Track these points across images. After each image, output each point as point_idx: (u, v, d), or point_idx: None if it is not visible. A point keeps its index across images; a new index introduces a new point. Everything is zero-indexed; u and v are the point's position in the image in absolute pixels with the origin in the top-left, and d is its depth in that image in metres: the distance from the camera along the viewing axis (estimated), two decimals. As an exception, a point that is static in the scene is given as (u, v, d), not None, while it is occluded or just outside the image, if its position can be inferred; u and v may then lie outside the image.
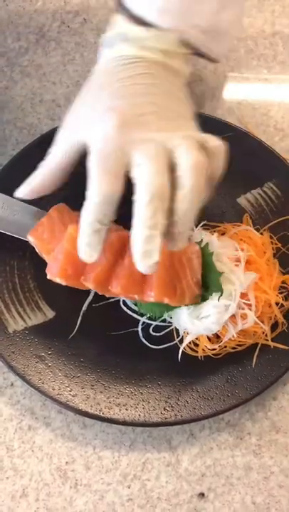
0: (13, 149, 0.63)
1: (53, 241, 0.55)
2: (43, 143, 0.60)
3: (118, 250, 0.53)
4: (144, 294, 0.52)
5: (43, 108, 0.66)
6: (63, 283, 0.54)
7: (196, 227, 0.58)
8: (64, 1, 0.70)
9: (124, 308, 0.57)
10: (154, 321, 0.57)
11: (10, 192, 0.59)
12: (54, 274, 0.53)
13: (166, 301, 0.52)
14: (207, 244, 0.55)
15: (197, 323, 0.54)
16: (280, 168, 0.61)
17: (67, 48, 0.68)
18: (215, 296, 0.53)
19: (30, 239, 0.56)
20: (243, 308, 0.54)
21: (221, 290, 0.53)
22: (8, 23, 0.69)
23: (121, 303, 0.57)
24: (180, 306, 0.54)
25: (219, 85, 0.67)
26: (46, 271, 0.54)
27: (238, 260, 0.55)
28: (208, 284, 0.54)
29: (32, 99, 0.66)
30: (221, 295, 0.53)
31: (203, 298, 0.53)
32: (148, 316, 0.56)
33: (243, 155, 0.61)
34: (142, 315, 0.56)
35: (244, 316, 0.54)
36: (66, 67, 0.67)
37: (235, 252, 0.56)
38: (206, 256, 0.54)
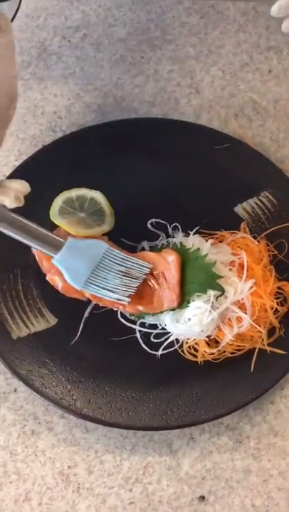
0: (16, 160, 0.65)
1: None
2: (45, 154, 0.62)
3: None
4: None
5: (45, 120, 0.67)
6: (61, 284, 0.55)
7: (191, 233, 0.60)
8: (65, 17, 0.72)
9: (120, 318, 0.58)
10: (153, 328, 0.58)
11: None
12: (54, 272, 0.55)
13: (140, 308, 0.55)
14: (198, 249, 0.56)
15: (179, 326, 0.56)
16: (275, 178, 0.63)
17: (68, 62, 0.70)
18: (197, 298, 0.55)
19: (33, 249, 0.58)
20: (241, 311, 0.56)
21: (222, 290, 0.55)
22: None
23: (118, 312, 0.58)
24: (161, 312, 0.56)
25: (216, 97, 0.69)
26: (45, 271, 0.56)
27: (232, 265, 0.57)
28: (192, 287, 0.55)
29: (34, 111, 0.67)
30: (222, 294, 0.55)
31: (187, 301, 0.55)
32: (146, 324, 0.58)
33: (239, 165, 0.63)
34: (135, 323, 0.58)
35: (240, 320, 0.56)
36: (67, 80, 0.69)
37: (229, 257, 0.57)
38: (195, 260, 0.56)
